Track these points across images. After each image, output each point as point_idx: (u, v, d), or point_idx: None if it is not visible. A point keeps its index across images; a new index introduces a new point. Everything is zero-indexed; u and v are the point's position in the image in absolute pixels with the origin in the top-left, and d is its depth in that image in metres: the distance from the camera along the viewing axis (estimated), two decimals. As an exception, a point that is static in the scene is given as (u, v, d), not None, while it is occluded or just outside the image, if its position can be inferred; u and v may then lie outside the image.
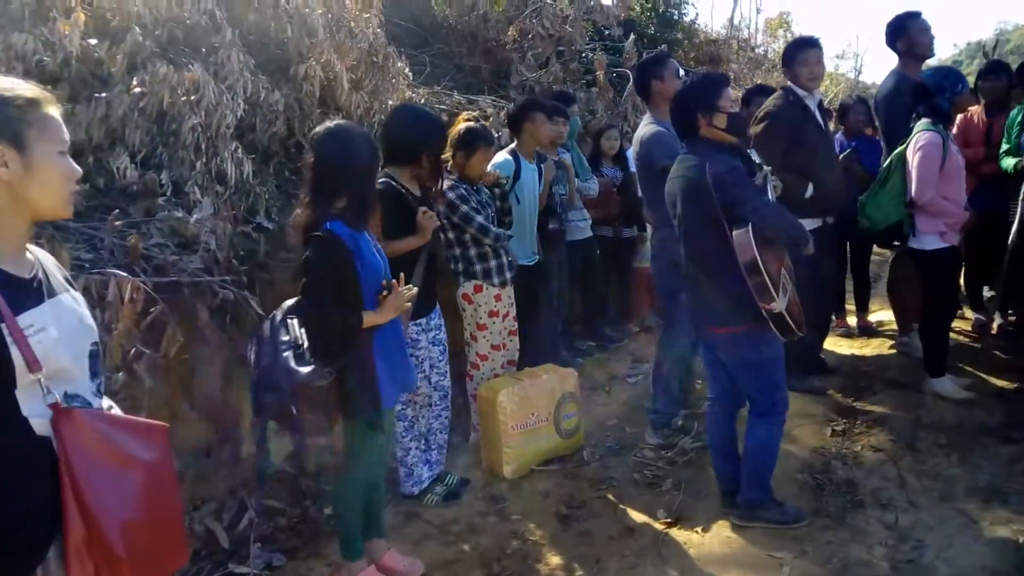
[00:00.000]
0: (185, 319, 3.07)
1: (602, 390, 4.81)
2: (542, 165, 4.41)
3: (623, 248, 5.73)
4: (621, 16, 7.70)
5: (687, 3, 9.45)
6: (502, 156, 4.11)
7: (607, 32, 7.66)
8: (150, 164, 3.59)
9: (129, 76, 3.59)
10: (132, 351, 2.81)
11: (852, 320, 5.59)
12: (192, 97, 3.59)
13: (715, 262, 2.83)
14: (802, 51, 4.15)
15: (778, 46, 14.11)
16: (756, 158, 3.90)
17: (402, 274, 2.58)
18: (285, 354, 2.41)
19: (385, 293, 2.43)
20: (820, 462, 3.55)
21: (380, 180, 3.08)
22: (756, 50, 13.16)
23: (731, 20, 13.40)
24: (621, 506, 3.33)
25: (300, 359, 2.42)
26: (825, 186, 4.06)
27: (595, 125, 6.25)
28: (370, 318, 2.42)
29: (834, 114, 5.76)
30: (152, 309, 2.88)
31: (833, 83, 13.70)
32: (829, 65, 15.67)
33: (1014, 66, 5.12)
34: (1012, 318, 5.10)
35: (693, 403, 4.16)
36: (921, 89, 3.98)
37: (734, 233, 2.70)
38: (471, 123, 3.64)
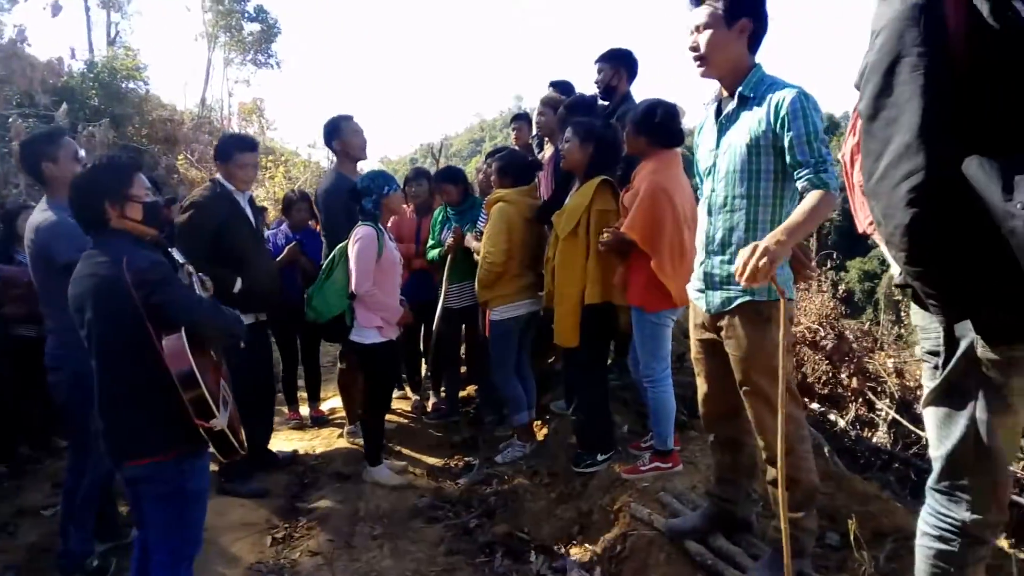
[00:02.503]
0: None
1: (4, 531, 3.83)
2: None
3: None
4: (54, 83, 6.71)
5: (140, 77, 8.75)
6: None
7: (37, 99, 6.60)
8: None
9: None
10: None
11: (305, 410, 5.59)
12: None
13: (136, 377, 2.37)
14: (241, 152, 4.11)
15: (253, 130, 14.31)
16: (177, 256, 3.60)
17: None
18: None
19: None
20: (253, 582, 3.30)
21: None
22: (228, 131, 13.09)
23: (203, 100, 13.15)
24: None
25: None
26: (257, 283, 4.04)
27: (12, 203, 5.23)
28: None
29: (267, 210, 5.84)
30: None
31: (308, 170, 14.34)
32: (303, 153, 16.47)
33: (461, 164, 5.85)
34: (443, 394, 5.66)
35: (119, 532, 3.55)
36: (353, 190, 4.19)
37: (164, 341, 2.29)
38: None
